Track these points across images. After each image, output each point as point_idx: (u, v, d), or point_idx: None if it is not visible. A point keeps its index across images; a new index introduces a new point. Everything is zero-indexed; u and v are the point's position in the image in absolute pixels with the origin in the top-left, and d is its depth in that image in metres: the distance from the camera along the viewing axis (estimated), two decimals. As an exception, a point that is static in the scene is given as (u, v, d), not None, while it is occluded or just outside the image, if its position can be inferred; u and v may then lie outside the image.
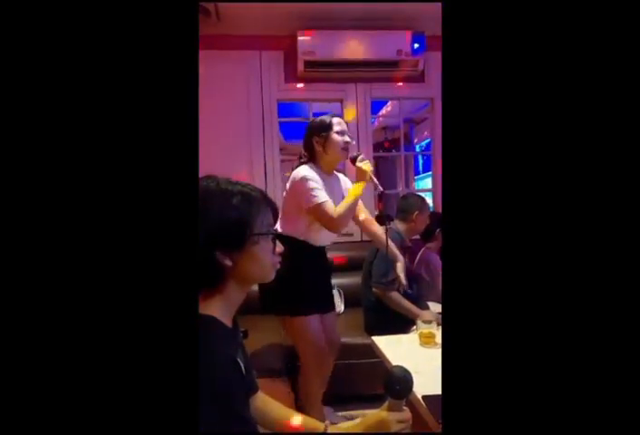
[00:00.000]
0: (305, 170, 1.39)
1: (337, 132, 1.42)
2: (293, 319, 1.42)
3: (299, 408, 1.42)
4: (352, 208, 1.38)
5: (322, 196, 1.35)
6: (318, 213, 1.35)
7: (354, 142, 1.50)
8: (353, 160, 1.43)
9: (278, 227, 1.45)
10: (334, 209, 1.34)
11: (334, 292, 2.18)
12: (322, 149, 1.43)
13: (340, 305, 2.23)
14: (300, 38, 2.30)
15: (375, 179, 1.45)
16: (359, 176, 1.41)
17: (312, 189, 1.34)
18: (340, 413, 1.70)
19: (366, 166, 1.40)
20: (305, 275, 1.41)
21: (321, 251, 1.52)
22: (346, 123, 1.49)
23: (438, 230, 2.09)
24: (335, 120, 1.44)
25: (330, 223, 1.36)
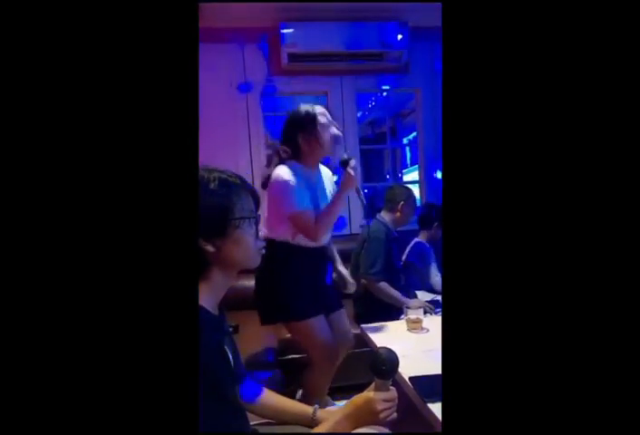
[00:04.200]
0: (284, 173, 1.24)
1: (323, 125, 1.27)
2: (298, 324, 1.33)
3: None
4: (333, 218, 1.27)
5: (302, 203, 1.23)
6: (298, 222, 1.25)
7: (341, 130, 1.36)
8: (344, 164, 1.26)
9: (265, 232, 1.33)
10: (315, 219, 1.24)
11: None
12: (307, 147, 1.28)
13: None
14: (283, 31, 2.30)
15: (361, 192, 1.33)
16: (346, 183, 1.25)
17: (292, 195, 1.22)
18: (337, 402, 1.72)
19: (356, 174, 1.25)
20: (302, 278, 1.32)
21: (317, 252, 1.36)
22: (330, 112, 1.34)
23: (436, 224, 2.10)
24: (319, 109, 1.29)
25: (309, 233, 1.26)
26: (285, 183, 1.22)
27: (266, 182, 1.30)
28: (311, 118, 1.26)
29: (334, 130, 1.30)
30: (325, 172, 1.45)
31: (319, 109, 1.30)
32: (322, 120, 1.27)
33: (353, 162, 1.25)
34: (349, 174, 1.23)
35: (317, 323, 1.33)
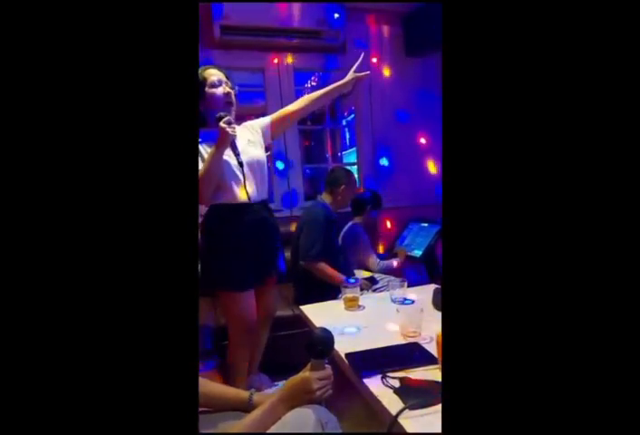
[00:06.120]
0: None
1: (213, 85, 1.30)
2: (223, 294, 1.36)
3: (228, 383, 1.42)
4: (209, 175, 1.22)
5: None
6: None
7: (237, 89, 1.37)
8: (218, 120, 1.22)
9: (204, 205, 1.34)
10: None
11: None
12: (202, 106, 1.31)
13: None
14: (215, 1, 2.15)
15: (238, 149, 1.29)
16: (220, 138, 1.21)
17: None
18: (277, 383, 1.73)
19: (232, 130, 1.21)
20: (232, 243, 1.30)
21: (250, 208, 1.32)
22: (224, 73, 1.35)
23: (369, 206, 2.17)
24: (208, 71, 1.32)
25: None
26: None
27: None
28: (201, 81, 1.31)
29: (227, 88, 1.33)
30: (250, 125, 1.45)
31: (209, 70, 1.34)
32: (212, 78, 1.31)
33: (227, 118, 1.22)
34: (222, 128, 1.20)
35: (242, 298, 1.34)
